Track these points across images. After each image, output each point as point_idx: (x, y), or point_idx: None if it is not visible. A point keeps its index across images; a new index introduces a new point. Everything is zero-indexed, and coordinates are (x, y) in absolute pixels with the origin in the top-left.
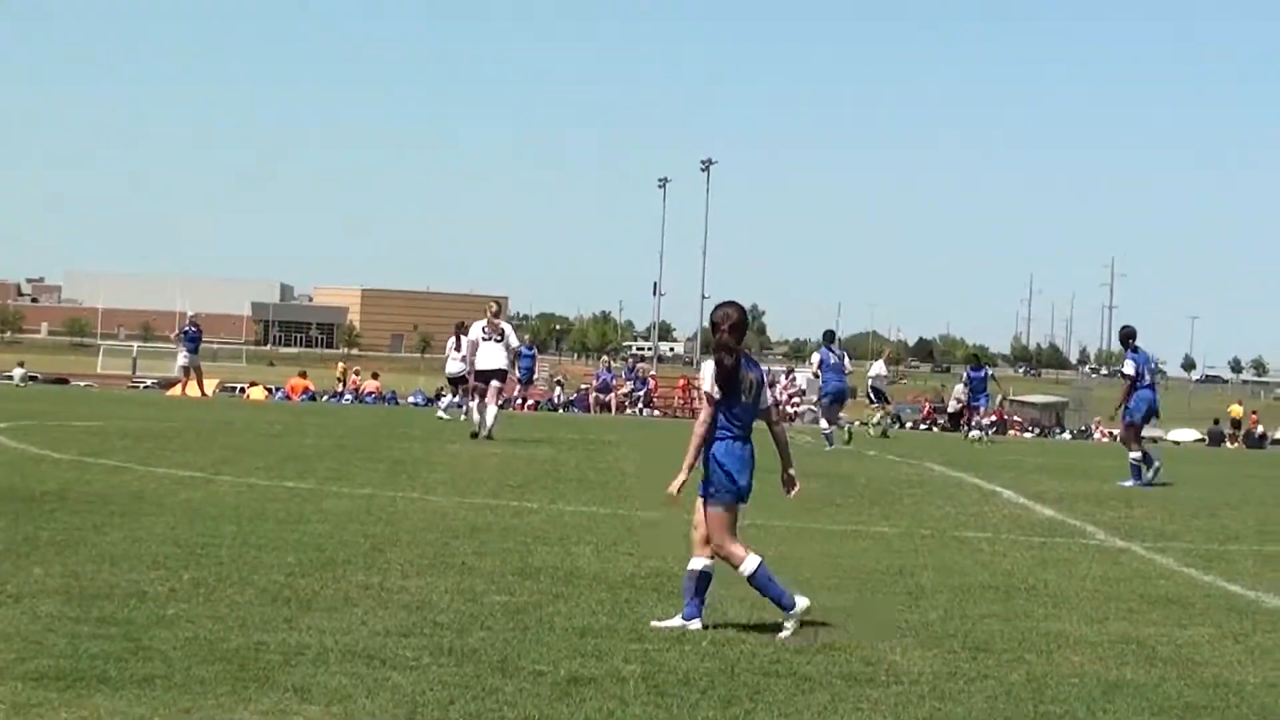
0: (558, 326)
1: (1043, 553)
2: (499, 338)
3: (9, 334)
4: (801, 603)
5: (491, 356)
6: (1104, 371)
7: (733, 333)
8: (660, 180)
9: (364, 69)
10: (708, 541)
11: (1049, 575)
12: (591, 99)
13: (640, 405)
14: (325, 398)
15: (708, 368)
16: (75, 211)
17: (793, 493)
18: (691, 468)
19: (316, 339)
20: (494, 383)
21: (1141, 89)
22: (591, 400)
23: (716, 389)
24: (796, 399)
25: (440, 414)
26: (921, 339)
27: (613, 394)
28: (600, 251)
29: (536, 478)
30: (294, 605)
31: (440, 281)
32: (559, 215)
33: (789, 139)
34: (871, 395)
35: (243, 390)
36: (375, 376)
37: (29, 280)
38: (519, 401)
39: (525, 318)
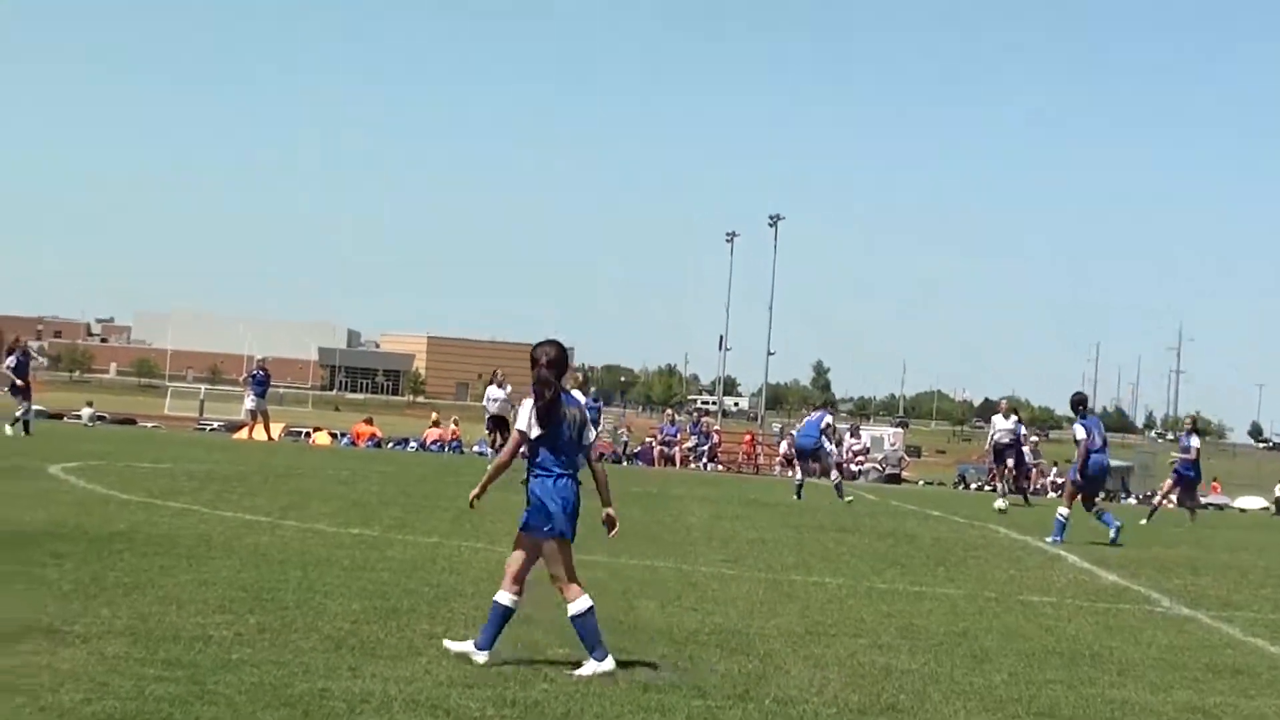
0: (623, 379)
1: (1108, 619)
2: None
3: (78, 373)
4: (608, 664)
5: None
6: (1170, 437)
7: (551, 367)
8: (728, 235)
9: (432, 121)
10: (517, 578)
11: (1114, 642)
12: (661, 152)
13: (704, 459)
14: (391, 444)
15: (526, 403)
16: (146, 253)
17: (613, 532)
18: (484, 488)
19: (382, 385)
20: None
21: (1211, 154)
22: (656, 453)
23: (534, 425)
24: (861, 458)
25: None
26: (987, 399)
27: (677, 447)
28: (667, 305)
29: (600, 530)
30: (358, 653)
31: (506, 331)
32: (626, 268)
33: (857, 196)
34: (993, 456)
35: (308, 435)
36: (437, 424)
37: (99, 320)
38: None
39: (591, 369)
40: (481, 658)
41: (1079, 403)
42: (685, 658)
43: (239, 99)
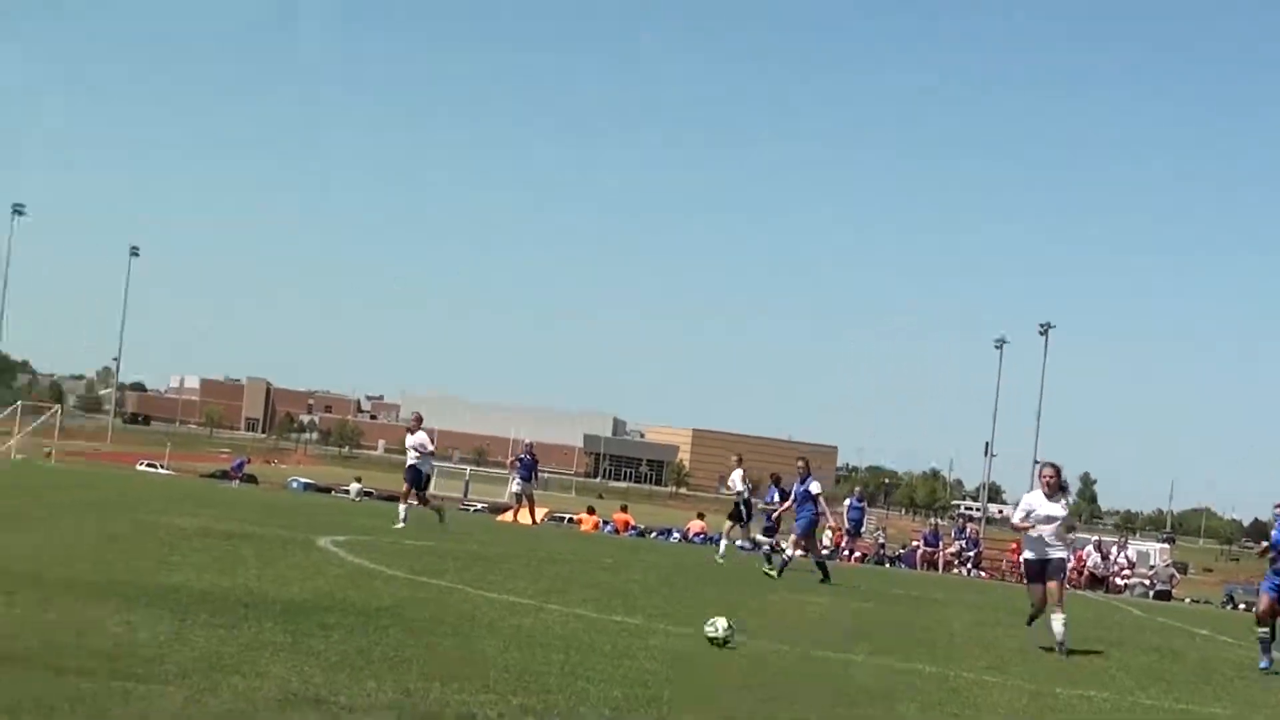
0: (886, 480)
1: None
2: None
3: (347, 449)
4: None
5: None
6: None
7: None
8: (997, 341)
9: (707, 225)
10: None
11: None
12: (933, 258)
13: (969, 565)
14: (654, 534)
15: None
16: (420, 333)
17: None
18: None
19: (646, 475)
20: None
21: None
22: (919, 557)
23: None
24: (1127, 572)
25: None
26: (1257, 519)
27: (940, 552)
28: (932, 408)
29: (860, 630)
30: None
31: (772, 427)
32: (893, 370)
33: (1129, 306)
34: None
35: (572, 520)
36: (701, 516)
37: (368, 398)
38: (846, 553)
39: (854, 470)
40: None
41: None
42: None
43: (518, 191)
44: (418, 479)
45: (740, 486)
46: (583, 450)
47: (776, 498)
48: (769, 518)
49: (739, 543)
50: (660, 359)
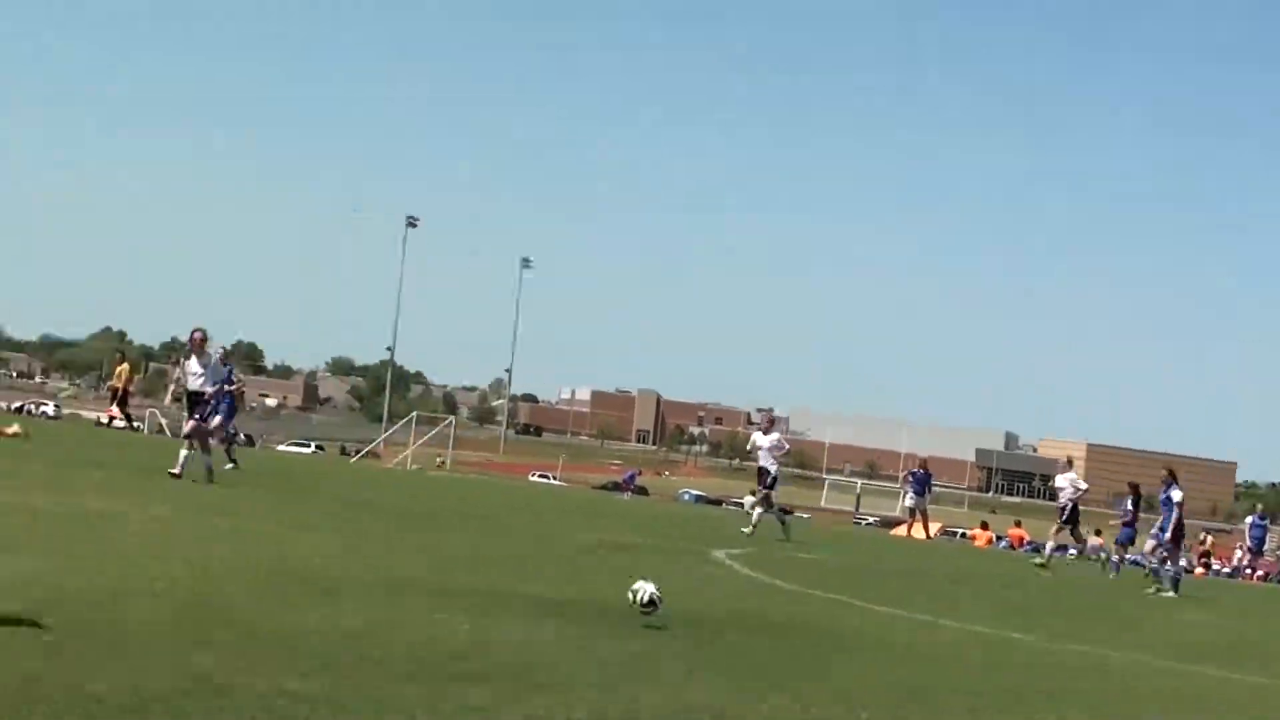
0: None
1: None
2: None
3: (737, 461)
4: None
5: None
6: None
7: None
8: None
9: (1122, 238)
10: None
11: None
12: None
13: None
14: (1051, 551)
15: None
16: (808, 345)
17: None
18: None
19: (1039, 490)
20: None
21: None
22: None
23: None
24: None
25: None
26: None
27: None
28: None
29: (1252, 649)
30: None
31: (1169, 442)
32: None
33: None
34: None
35: (965, 535)
36: (1098, 533)
37: (759, 410)
38: (1248, 571)
39: (1254, 486)
40: None
41: None
42: None
43: (893, 201)
44: (767, 479)
45: (1083, 484)
46: (975, 464)
47: (1129, 505)
48: (1125, 529)
49: (1049, 545)
50: (1056, 372)
